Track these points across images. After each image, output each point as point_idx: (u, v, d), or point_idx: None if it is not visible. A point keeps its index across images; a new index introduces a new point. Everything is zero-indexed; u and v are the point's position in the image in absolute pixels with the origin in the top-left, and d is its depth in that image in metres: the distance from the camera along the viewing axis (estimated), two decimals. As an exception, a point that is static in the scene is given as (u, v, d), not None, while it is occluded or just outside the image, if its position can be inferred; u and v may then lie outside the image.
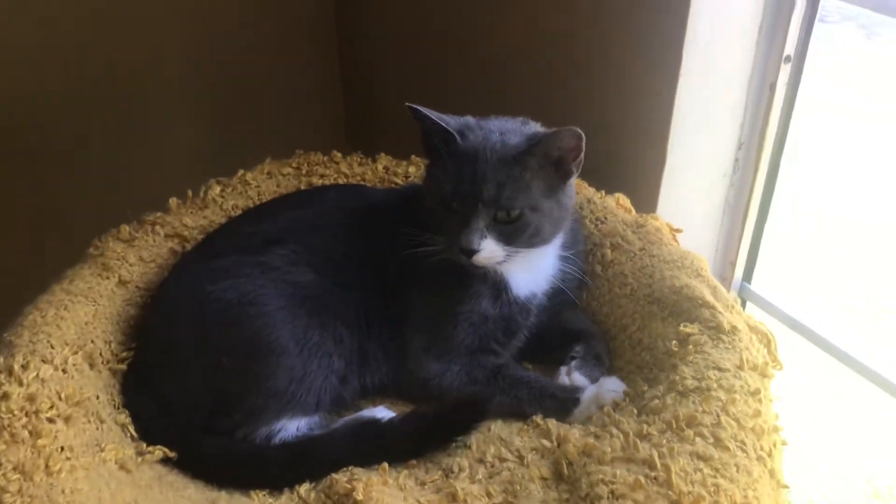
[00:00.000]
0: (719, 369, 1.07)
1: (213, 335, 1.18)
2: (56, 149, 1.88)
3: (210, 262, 1.25)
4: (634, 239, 1.34)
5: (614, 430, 1.04)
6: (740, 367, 1.07)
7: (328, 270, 1.24)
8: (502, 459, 1.10)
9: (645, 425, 1.02)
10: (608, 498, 0.93)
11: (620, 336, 1.28)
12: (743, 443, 0.98)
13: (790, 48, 1.51)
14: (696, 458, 0.95)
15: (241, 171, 1.51)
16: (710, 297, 1.18)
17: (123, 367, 1.23)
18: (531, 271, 1.28)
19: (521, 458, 1.09)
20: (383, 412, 1.23)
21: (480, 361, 1.26)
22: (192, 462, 1.15)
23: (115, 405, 1.19)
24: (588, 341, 1.30)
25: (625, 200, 1.45)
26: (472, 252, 1.16)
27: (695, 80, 1.47)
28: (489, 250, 1.17)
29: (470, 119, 1.24)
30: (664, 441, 0.98)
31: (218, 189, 1.47)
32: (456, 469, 1.09)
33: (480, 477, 1.07)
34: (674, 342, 1.14)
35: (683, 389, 1.05)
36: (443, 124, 1.18)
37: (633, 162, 1.58)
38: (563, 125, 1.22)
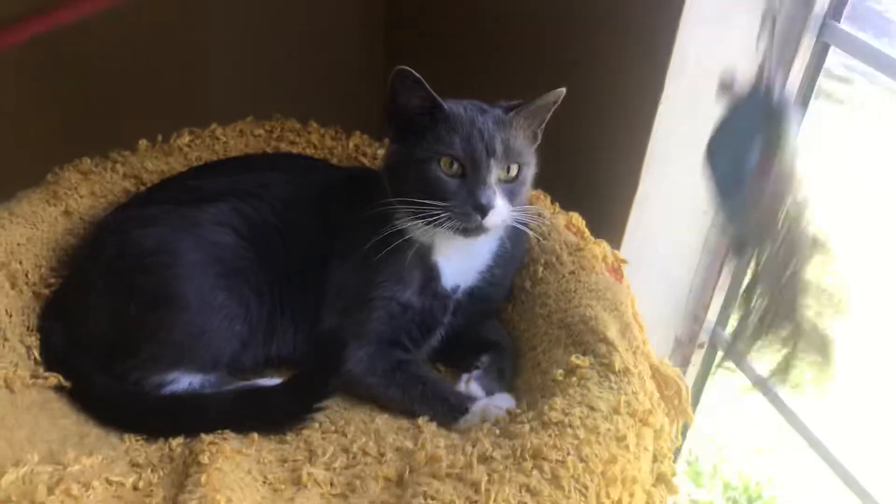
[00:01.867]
0: (591, 408, 1.03)
1: (126, 278, 1.21)
2: (68, 68, 1.88)
3: (145, 208, 1.28)
4: (568, 261, 1.30)
5: (467, 447, 1.02)
6: (616, 411, 1.04)
7: (252, 238, 1.26)
8: (365, 453, 1.09)
9: (495, 448, 1.00)
10: (420, 512, 0.92)
11: (528, 355, 1.26)
12: (585, 486, 0.94)
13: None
14: (526, 490, 0.92)
15: (213, 125, 1.53)
16: (612, 334, 1.14)
17: (48, 292, 1.28)
18: (464, 260, 1.27)
19: (381, 455, 1.09)
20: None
21: (385, 353, 1.25)
22: (81, 396, 1.18)
23: (27, 327, 1.24)
24: (496, 354, 1.28)
25: (578, 220, 1.41)
26: (489, 209, 1.15)
27: (679, 108, 1.42)
28: (500, 207, 1.17)
29: None
30: (501, 467, 0.95)
31: (187, 139, 1.50)
32: (320, 453, 1.10)
33: (337, 465, 1.07)
34: (560, 371, 1.11)
35: (547, 420, 1.02)
36: (433, 93, 1.16)
37: (603, 183, 1.54)
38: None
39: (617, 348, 1.12)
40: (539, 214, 1.36)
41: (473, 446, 1.02)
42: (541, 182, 1.32)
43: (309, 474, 1.04)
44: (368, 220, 1.24)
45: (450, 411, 1.19)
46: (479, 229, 1.17)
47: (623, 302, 1.22)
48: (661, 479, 1.12)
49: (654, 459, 1.11)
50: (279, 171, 1.37)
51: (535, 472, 0.95)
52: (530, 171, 1.24)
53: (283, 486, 1.04)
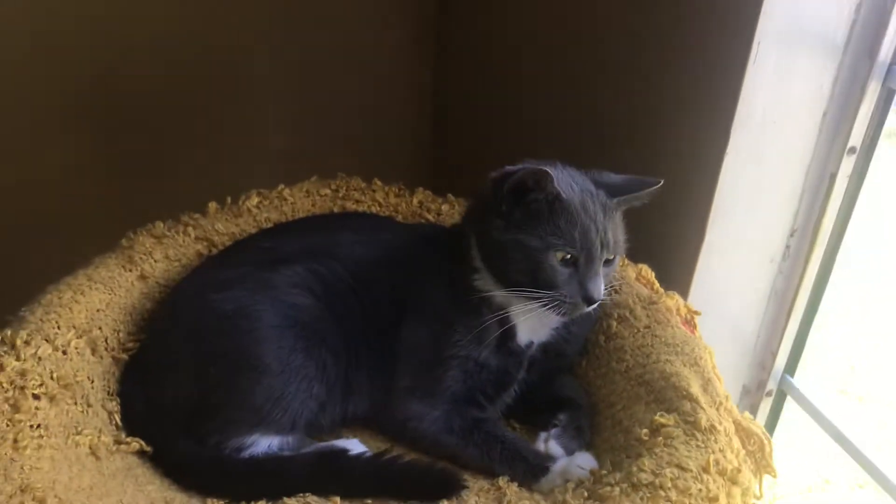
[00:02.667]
0: (681, 468, 1.02)
1: (205, 342, 1.22)
2: (137, 130, 1.94)
3: (221, 271, 1.30)
4: (643, 315, 1.30)
5: (556, 510, 1.01)
6: (705, 470, 1.02)
7: (327, 298, 1.27)
8: (449, 516, 1.09)
9: (586, 511, 0.99)
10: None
11: (606, 412, 1.25)
12: (681, 550, 0.93)
13: (855, 140, 1.44)
14: (623, 556, 0.91)
15: (280, 186, 1.56)
16: (696, 390, 1.13)
17: (126, 356, 1.30)
18: (539, 318, 1.25)
19: (466, 518, 1.08)
20: (357, 446, 1.25)
21: (462, 412, 1.25)
22: (163, 459, 1.19)
23: (108, 392, 1.25)
24: (573, 412, 1.27)
25: (648, 272, 1.40)
26: (597, 300, 1.17)
27: (744, 158, 1.42)
28: (603, 294, 1.19)
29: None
30: (596, 532, 0.94)
31: (256, 200, 1.53)
32: (402, 516, 1.09)
33: (422, 529, 1.07)
34: (645, 430, 1.10)
35: (637, 482, 1.01)
36: (559, 188, 1.15)
37: (670, 234, 1.54)
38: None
39: (701, 405, 1.11)
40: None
41: (562, 509, 1.01)
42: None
43: (396, 539, 1.03)
44: (443, 279, 1.25)
45: (530, 471, 1.18)
46: (579, 313, 1.19)
47: (702, 356, 1.21)
48: (748, 538, 1.10)
49: (741, 518, 1.10)
50: (349, 230, 1.38)
51: (630, 537, 0.93)
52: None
53: (370, 551, 1.03)
